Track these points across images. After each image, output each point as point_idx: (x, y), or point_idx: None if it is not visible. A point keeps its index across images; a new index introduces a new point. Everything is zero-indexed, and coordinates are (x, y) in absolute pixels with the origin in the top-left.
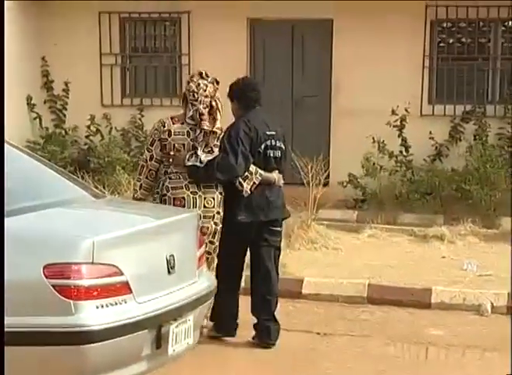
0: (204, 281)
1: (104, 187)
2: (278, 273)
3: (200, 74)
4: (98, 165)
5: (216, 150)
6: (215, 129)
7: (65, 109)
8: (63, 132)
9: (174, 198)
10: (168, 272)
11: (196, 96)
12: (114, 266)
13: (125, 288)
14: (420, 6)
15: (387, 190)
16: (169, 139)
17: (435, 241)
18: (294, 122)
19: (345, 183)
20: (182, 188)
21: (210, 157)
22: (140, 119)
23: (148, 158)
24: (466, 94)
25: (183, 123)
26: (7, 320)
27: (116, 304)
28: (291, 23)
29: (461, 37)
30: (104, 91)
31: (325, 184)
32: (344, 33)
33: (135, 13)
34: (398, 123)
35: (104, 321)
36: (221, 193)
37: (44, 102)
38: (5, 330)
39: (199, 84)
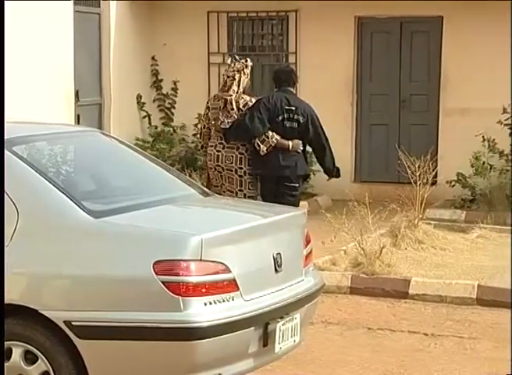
0: (311, 280)
1: None
2: None
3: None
4: (205, 163)
5: (234, 114)
6: (232, 97)
7: (174, 108)
8: (171, 130)
9: (208, 154)
10: (276, 270)
11: (225, 73)
12: (222, 263)
13: (232, 286)
14: None
15: (497, 190)
16: (209, 113)
17: None
18: (401, 120)
19: (453, 183)
20: (212, 147)
21: (230, 120)
22: None
23: (203, 127)
24: None
25: (219, 100)
26: (116, 315)
27: (224, 301)
28: (400, 20)
29: None
30: (211, 89)
31: (433, 183)
32: (454, 30)
33: (243, 12)
34: (509, 121)
35: (211, 318)
36: (241, 153)
37: (154, 101)
38: (115, 324)
39: (229, 65)
